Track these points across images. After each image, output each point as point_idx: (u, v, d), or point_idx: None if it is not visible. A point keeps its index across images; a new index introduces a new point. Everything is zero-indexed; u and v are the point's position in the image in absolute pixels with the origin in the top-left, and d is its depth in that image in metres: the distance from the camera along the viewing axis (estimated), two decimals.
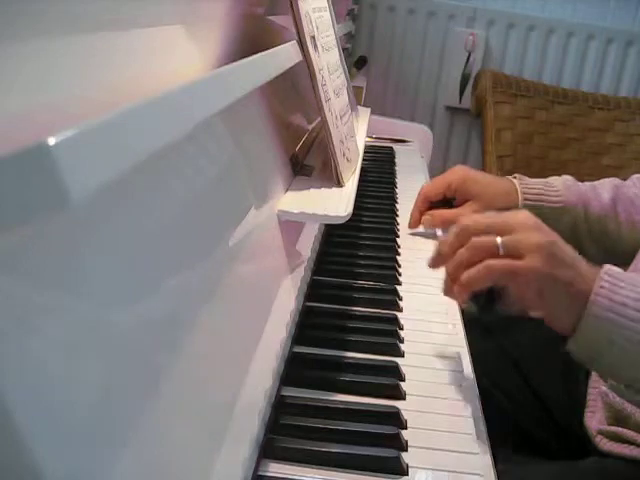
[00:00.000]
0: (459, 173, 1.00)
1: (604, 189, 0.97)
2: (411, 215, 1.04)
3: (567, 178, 1.00)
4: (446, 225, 1.01)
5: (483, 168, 2.04)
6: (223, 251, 0.51)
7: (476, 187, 0.97)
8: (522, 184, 0.97)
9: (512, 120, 2.06)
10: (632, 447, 0.70)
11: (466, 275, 0.60)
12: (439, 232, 1.03)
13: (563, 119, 2.10)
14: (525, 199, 0.95)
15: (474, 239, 0.60)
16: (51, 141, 0.22)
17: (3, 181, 0.22)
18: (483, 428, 0.59)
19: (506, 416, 0.85)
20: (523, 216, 0.63)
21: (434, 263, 0.65)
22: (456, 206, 0.99)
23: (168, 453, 0.36)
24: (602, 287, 0.58)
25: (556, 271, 0.58)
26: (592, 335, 0.58)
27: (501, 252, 0.59)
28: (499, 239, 0.59)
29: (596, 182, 0.99)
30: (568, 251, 0.61)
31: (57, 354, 0.28)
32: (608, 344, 0.57)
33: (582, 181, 1.00)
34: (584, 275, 0.59)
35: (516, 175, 1.00)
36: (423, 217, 1.01)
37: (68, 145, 0.23)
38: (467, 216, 0.65)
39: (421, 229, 1.01)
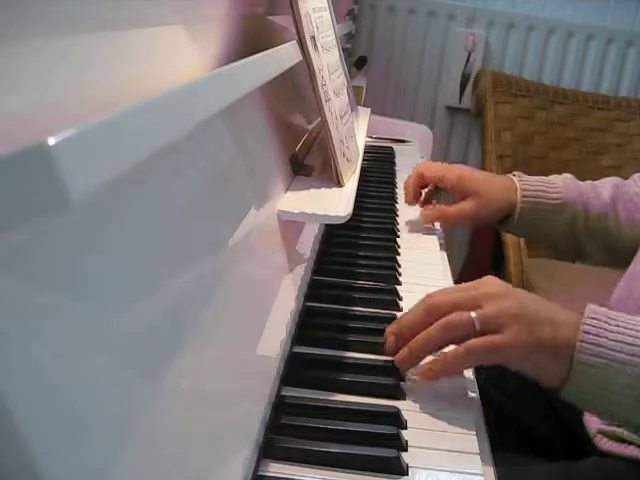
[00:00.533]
0: (458, 171, 1.00)
1: (604, 188, 0.97)
2: (406, 189, 1.05)
3: (567, 176, 1.00)
4: (445, 221, 1.02)
5: (483, 168, 2.04)
6: (223, 251, 0.51)
7: (475, 184, 0.98)
8: (521, 181, 0.97)
9: (512, 120, 2.06)
10: (632, 447, 0.71)
11: (450, 355, 0.59)
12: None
13: (563, 119, 2.10)
14: (524, 195, 0.96)
15: (446, 318, 0.59)
16: (51, 141, 0.22)
17: (3, 181, 0.22)
18: (483, 428, 0.59)
19: (506, 416, 0.85)
20: (490, 283, 0.62)
21: (392, 344, 0.63)
22: (455, 202, 1.00)
23: (168, 453, 0.36)
24: (588, 333, 0.57)
25: (536, 335, 0.57)
26: (584, 383, 0.57)
27: (477, 328, 0.58)
28: (473, 314, 0.58)
29: (596, 181, 0.99)
30: (542, 307, 0.60)
31: (57, 354, 0.28)
32: (601, 390, 0.56)
33: (582, 181, 1.01)
34: (565, 324, 0.58)
35: (515, 173, 1.00)
36: (424, 211, 1.02)
37: (68, 145, 0.23)
38: (433, 293, 0.63)
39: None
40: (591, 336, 0.57)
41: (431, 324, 0.60)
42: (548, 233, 0.98)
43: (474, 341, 0.57)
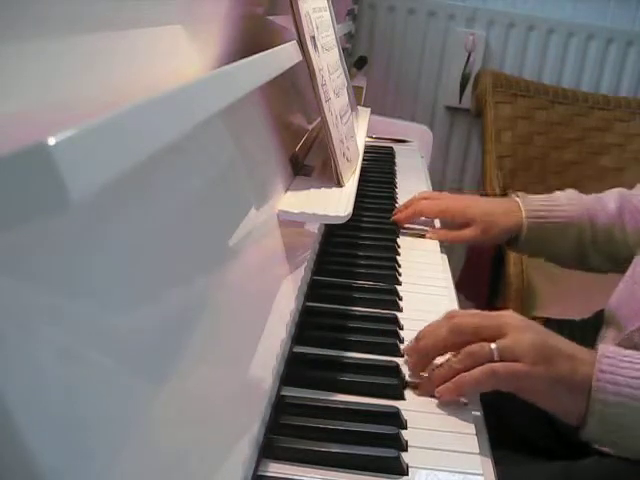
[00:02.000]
0: (457, 202, 1.01)
1: (610, 199, 0.97)
2: (399, 220, 1.04)
3: (570, 192, 1.00)
4: (452, 243, 1.02)
5: (483, 168, 2.04)
6: (223, 251, 0.51)
7: (475, 212, 0.98)
8: (525, 202, 0.97)
9: (512, 120, 2.06)
10: None
11: (468, 377, 0.59)
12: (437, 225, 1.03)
13: (563, 119, 2.10)
14: (529, 217, 0.96)
15: (468, 348, 0.60)
16: (51, 141, 0.22)
17: (3, 181, 0.22)
18: (483, 428, 0.59)
19: (506, 416, 0.85)
20: (509, 316, 0.63)
21: (415, 363, 0.64)
22: (456, 229, 1.00)
23: (168, 453, 0.36)
24: (603, 371, 0.58)
25: (555, 368, 0.58)
26: (603, 421, 0.57)
27: (496, 358, 0.59)
28: (493, 345, 0.59)
29: (601, 193, 0.99)
30: (562, 343, 0.61)
31: (57, 354, 0.28)
32: (620, 427, 0.57)
33: (583, 181, 1.01)
34: (583, 362, 0.59)
35: (518, 194, 1.00)
36: (427, 235, 1.02)
37: (68, 145, 0.23)
38: (455, 313, 0.65)
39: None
40: (607, 375, 0.58)
41: (452, 345, 0.62)
42: (555, 251, 0.98)
43: (495, 366, 0.58)
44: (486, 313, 0.64)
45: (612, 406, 0.57)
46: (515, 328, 0.61)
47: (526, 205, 0.97)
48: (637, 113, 2.10)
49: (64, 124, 0.24)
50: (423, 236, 1.03)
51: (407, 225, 1.05)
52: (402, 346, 0.68)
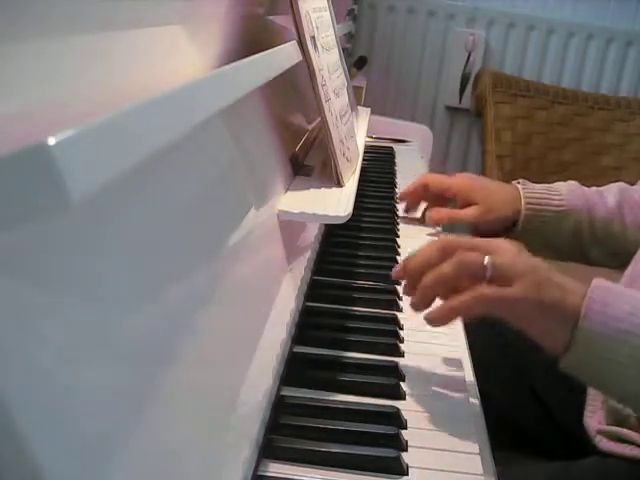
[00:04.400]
0: (463, 181, 1.01)
1: (610, 193, 0.97)
2: (405, 196, 1.06)
3: (572, 183, 1.00)
4: (450, 223, 1.02)
5: (483, 168, 2.04)
6: (223, 251, 0.51)
7: (480, 194, 0.98)
8: (525, 189, 0.97)
9: (512, 120, 2.06)
10: (632, 447, 0.70)
11: (457, 302, 0.58)
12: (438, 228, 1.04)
13: (563, 119, 2.10)
14: (528, 203, 0.96)
15: (462, 254, 0.59)
16: (51, 141, 0.22)
17: (3, 181, 0.22)
18: (483, 428, 0.59)
19: (506, 416, 0.85)
20: (505, 241, 0.62)
21: (404, 271, 0.63)
22: (459, 208, 1.00)
23: (168, 453, 0.36)
24: (594, 301, 0.57)
25: (545, 295, 0.57)
26: (586, 351, 0.57)
27: (488, 274, 0.58)
28: (487, 258, 0.58)
29: (601, 187, 0.99)
30: (554, 272, 0.60)
31: (57, 354, 0.28)
32: (603, 359, 0.56)
33: (582, 181, 1.01)
34: (573, 292, 0.58)
35: (520, 180, 1.00)
36: (427, 213, 1.03)
37: (68, 145, 0.23)
38: (446, 236, 0.64)
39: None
40: (596, 305, 0.57)
41: (443, 258, 0.59)
42: (553, 240, 0.98)
43: (484, 289, 0.57)
44: (479, 239, 0.63)
45: (597, 336, 0.56)
46: (509, 250, 0.60)
47: (526, 193, 0.97)
48: (637, 113, 2.10)
49: (64, 124, 0.24)
50: (423, 221, 1.04)
51: (404, 215, 1.07)
52: (402, 346, 0.68)
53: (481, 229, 1.02)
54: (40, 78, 0.33)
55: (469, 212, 0.98)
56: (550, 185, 0.99)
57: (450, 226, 1.05)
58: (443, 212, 1.02)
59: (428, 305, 0.61)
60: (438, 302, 0.61)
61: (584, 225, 0.96)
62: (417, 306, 0.61)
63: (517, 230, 0.97)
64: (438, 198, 1.05)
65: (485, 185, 1.01)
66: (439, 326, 0.60)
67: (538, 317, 0.58)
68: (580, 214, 0.96)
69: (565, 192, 0.97)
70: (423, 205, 1.09)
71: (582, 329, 0.56)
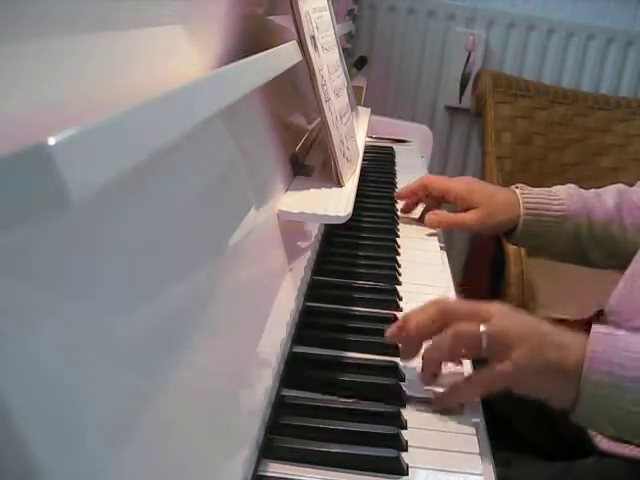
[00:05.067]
0: (463, 184, 1.01)
1: (608, 195, 0.97)
2: (403, 196, 1.06)
3: (570, 186, 1.00)
4: (450, 228, 1.03)
5: (483, 168, 2.04)
6: (223, 251, 0.51)
7: (479, 197, 0.98)
8: (524, 194, 0.97)
9: (512, 120, 2.06)
10: (631, 447, 0.70)
11: (459, 391, 0.60)
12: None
13: (563, 119, 2.09)
14: (526, 208, 0.96)
15: (458, 326, 0.60)
16: (51, 141, 0.22)
17: (3, 181, 0.22)
18: (483, 428, 0.59)
19: (506, 416, 0.85)
20: (498, 305, 0.62)
21: (399, 335, 0.63)
22: (458, 212, 1.00)
23: (168, 453, 0.36)
24: (595, 352, 0.57)
25: (543, 358, 0.58)
26: (593, 402, 0.57)
27: (484, 344, 0.58)
28: (483, 327, 0.59)
29: (600, 189, 0.99)
30: (551, 332, 0.60)
31: (57, 354, 0.28)
32: (610, 408, 0.57)
33: (582, 182, 1.01)
34: (572, 347, 0.58)
35: (518, 185, 1.00)
36: (427, 216, 1.03)
37: (68, 145, 0.23)
38: (444, 299, 0.65)
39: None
40: (599, 355, 0.57)
41: (440, 328, 0.61)
42: (552, 244, 0.98)
43: (482, 373, 0.59)
44: (474, 302, 0.64)
45: (604, 386, 0.56)
46: (504, 315, 0.60)
47: (524, 197, 0.97)
48: (637, 113, 2.10)
49: (64, 124, 0.24)
50: (422, 220, 1.04)
51: (403, 216, 1.07)
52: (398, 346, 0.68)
53: (481, 232, 1.02)
54: (40, 78, 0.33)
55: (469, 217, 0.98)
56: (549, 189, 0.99)
57: (455, 209, 1.05)
58: (443, 216, 1.02)
59: (436, 374, 0.62)
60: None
61: (583, 228, 0.96)
62: (427, 381, 0.62)
63: (516, 235, 0.97)
64: (437, 200, 1.05)
65: (485, 189, 1.01)
66: (442, 407, 0.60)
67: (540, 381, 0.59)
68: (579, 218, 0.96)
69: (564, 196, 0.97)
70: (420, 207, 1.09)
71: (587, 381, 0.57)
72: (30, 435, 0.25)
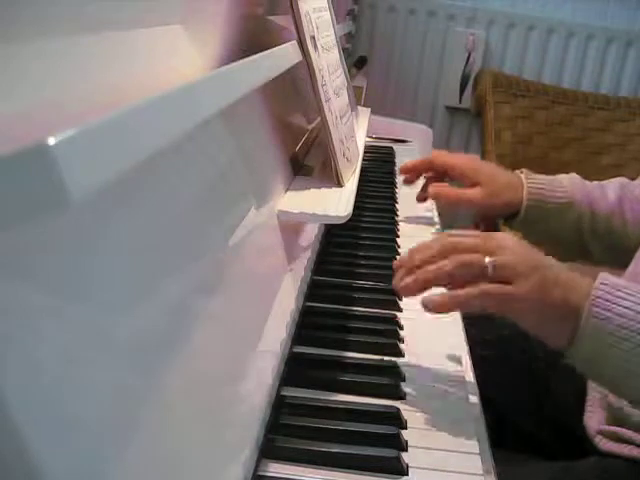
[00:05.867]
0: (469, 162, 1.00)
1: (610, 188, 0.97)
2: (408, 170, 1.06)
3: (574, 176, 1.00)
4: (452, 202, 1.02)
5: None
6: (223, 251, 0.51)
7: (484, 176, 0.98)
8: (528, 179, 0.97)
9: (512, 120, 2.06)
10: (631, 447, 0.70)
11: (459, 293, 0.58)
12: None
13: (563, 119, 2.10)
14: (530, 193, 0.96)
15: (463, 255, 0.59)
16: (51, 141, 0.22)
17: (3, 181, 0.22)
18: (483, 428, 0.59)
19: (506, 416, 0.85)
20: (509, 237, 0.62)
21: (402, 274, 0.61)
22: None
23: (168, 453, 0.36)
24: (599, 297, 0.57)
25: (547, 294, 0.57)
26: (590, 347, 0.57)
27: (490, 273, 0.57)
28: (488, 259, 0.58)
29: (603, 182, 0.99)
30: (556, 268, 0.60)
31: (57, 354, 0.28)
32: (607, 356, 0.56)
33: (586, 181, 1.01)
34: (577, 289, 0.58)
35: (523, 170, 1.00)
36: (430, 189, 1.02)
37: (68, 145, 0.23)
38: (450, 232, 0.64)
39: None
40: (601, 301, 0.57)
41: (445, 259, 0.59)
42: (553, 232, 0.98)
43: (489, 286, 0.57)
44: (481, 233, 0.63)
45: (602, 332, 0.56)
46: (513, 247, 0.59)
47: (529, 183, 0.97)
48: (637, 113, 2.10)
49: (64, 124, 0.24)
50: (420, 199, 1.04)
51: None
52: (402, 346, 0.68)
53: (484, 214, 1.01)
54: (40, 78, 0.33)
55: (473, 193, 0.97)
56: (553, 177, 0.99)
57: (452, 216, 1.04)
58: (447, 189, 1.01)
59: (419, 291, 0.60)
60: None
61: (585, 218, 0.96)
62: (408, 289, 0.60)
63: (518, 220, 0.97)
64: (440, 176, 1.05)
65: (490, 169, 1.01)
66: (435, 313, 0.59)
67: (540, 315, 0.58)
68: (582, 207, 0.96)
69: (568, 184, 0.97)
70: (420, 182, 1.08)
71: (587, 326, 0.57)
72: (30, 435, 0.25)
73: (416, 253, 0.62)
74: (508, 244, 0.60)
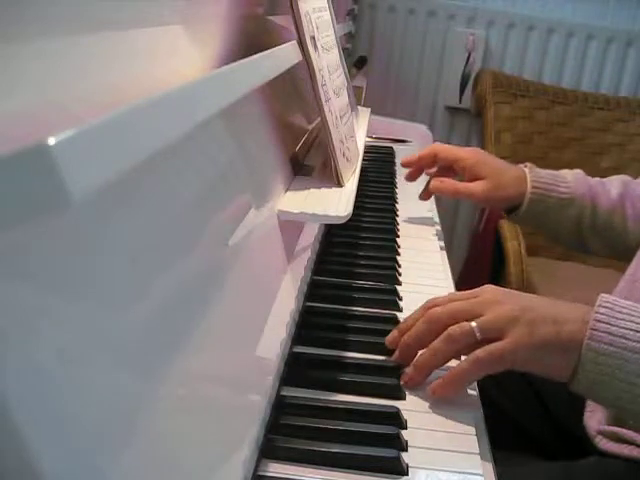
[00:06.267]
0: (473, 155, 1.00)
1: (612, 185, 0.98)
2: (410, 163, 1.06)
3: (578, 171, 1.00)
4: (455, 196, 1.02)
5: None
6: (223, 251, 0.51)
7: (487, 169, 0.98)
8: (532, 173, 0.97)
9: (512, 120, 2.06)
10: (631, 447, 0.70)
11: (456, 372, 0.58)
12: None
13: (563, 119, 2.09)
14: (534, 187, 0.96)
15: (448, 330, 0.59)
16: (51, 141, 0.22)
17: (3, 181, 0.22)
18: (483, 428, 0.59)
19: (506, 416, 0.85)
20: (489, 290, 0.62)
21: (403, 356, 0.63)
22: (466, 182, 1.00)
23: (168, 453, 0.36)
24: (599, 321, 0.57)
25: (538, 335, 0.57)
26: (594, 372, 0.56)
27: (478, 337, 0.58)
28: (474, 323, 0.58)
29: (605, 179, 1.00)
30: (543, 307, 0.59)
31: (57, 354, 0.28)
32: (611, 379, 0.56)
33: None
34: (569, 320, 0.58)
35: (527, 164, 1.00)
36: (432, 182, 1.02)
37: (68, 145, 0.23)
38: (432, 302, 0.63)
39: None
40: (602, 324, 0.56)
41: (432, 335, 0.60)
42: (554, 226, 0.99)
43: (478, 352, 0.57)
44: (462, 293, 0.63)
45: (605, 356, 0.56)
46: (491, 303, 0.59)
47: (533, 176, 0.97)
48: (637, 113, 2.10)
49: (64, 124, 0.24)
50: (423, 197, 1.04)
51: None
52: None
53: (487, 204, 1.01)
54: (40, 78, 0.33)
55: (476, 187, 0.97)
56: (557, 172, 0.99)
57: (455, 209, 1.04)
58: (449, 183, 1.01)
59: (420, 383, 0.61)
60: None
61: (586, 213, 0.96)
62: (416, 382, 0.61)
63: (520, 213, 0.97)
64: (444, 170, 1.04)
65: (494, 162, 1.01)
66: (442, 396, 0.59)
67: (538, 357, 0.58)
68: (584, 202, 0.96)
69: (571, 179, 0.97)
70: (424, 178, 1.08)
71: (589, 349, 0.56)
72: (30, 435, 0.25)
73: (405, 332, 0.63)
74: (489, 298, 0.60)
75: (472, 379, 0.60)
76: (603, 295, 0.60)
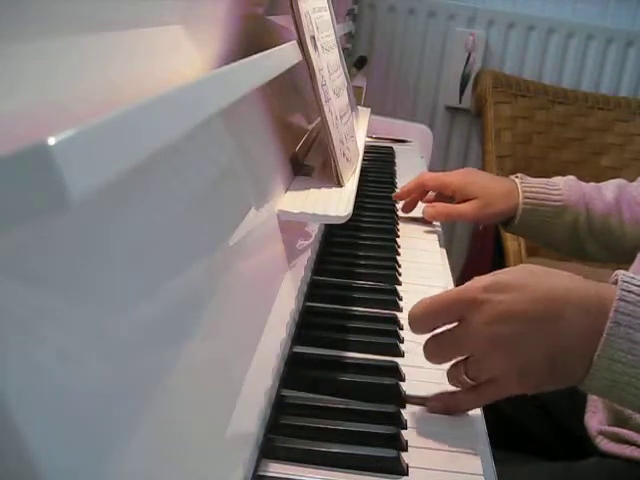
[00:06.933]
0: (460, 177, 1.01)
1: (608, 189, 0.98)
2: (402, 196, 1.06)
3: (570, 178, 1.00)
4: (448, 220, 1.03)
5: (483, 168, 2.04)
6: (223, 251, 0.51)
7: (476, 188, 0.98)
8: (523, 183, 0.98)
9: (512, 120, 2.06)
10: (632, 448, 0.70)
11: (462, 402, 0.58)
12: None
13: (563, 119, 2.10)
14: (525, 197, 0.96)
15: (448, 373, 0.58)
16: (51, 141, 0.22)
17: (3, 181, 0.22)
18: (483, 428, 0.59)
19: (506, 416, 0.85)
20: (468, 328, 0.55)
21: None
22: (457, 203, 1.00)
23: (168, 453, 0.36)
24: (616, 326, 0.52)
25: (525, 360, 0.54)
26: (608, 378, 0.53)
27: (475, 382, 0.56)
28: (463, 376, 0.56)
29: (600, 183, 1.00)
30: (536, 330, 0.54)
31: (57, 354, 0.28)
32: (626, 385, 0.52)
33: (583, 181, 1.01)
34: (573, 349, 0.54)
35: (518, 175, 1.00)
36: (425, 208, 1.03)
37: (68, 145, 0.23)
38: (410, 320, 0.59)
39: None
40: (620, 332, 0.52)
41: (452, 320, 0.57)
42: (549, 235, 0.99)
43: (484, 392, 0.57)
44: (452, 332, 0.57)
45: (621, 363, 0.52)
46: (480, 334, 0.54)
47: (524, 187, 0.97)
48: (637, 113, 2.10)
49: (64, 124, 0.24)
50: (423, 220, 1.04)
51: (404, 215, 1.07)
52: (402, 346, 0.68)
53: (480, 221, 1.02)
54: (40, 78, 0.33)
55: (466, 207, 0.98)
56: (548, 180, 0.99)
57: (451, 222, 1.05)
58: (440, 207, 1.02)
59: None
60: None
61: (581, 220, 0.96)
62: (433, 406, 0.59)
63: (514, 224, 0.98)
64: (438, 196, 1.05)
65: (483, 179, 1.01)
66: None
67: (533, 380, 0.56)
68: (578, 209, 0.96)
69: (563, 187, 0.97)
70: (421, 206, 1.09)
71: (603, 358, 0.52)
72: (30, 435, 0.25)
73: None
74: (474, 336, 0.55)
75: (476, 407, 0.59)
76: (617, 302, 0.53)
